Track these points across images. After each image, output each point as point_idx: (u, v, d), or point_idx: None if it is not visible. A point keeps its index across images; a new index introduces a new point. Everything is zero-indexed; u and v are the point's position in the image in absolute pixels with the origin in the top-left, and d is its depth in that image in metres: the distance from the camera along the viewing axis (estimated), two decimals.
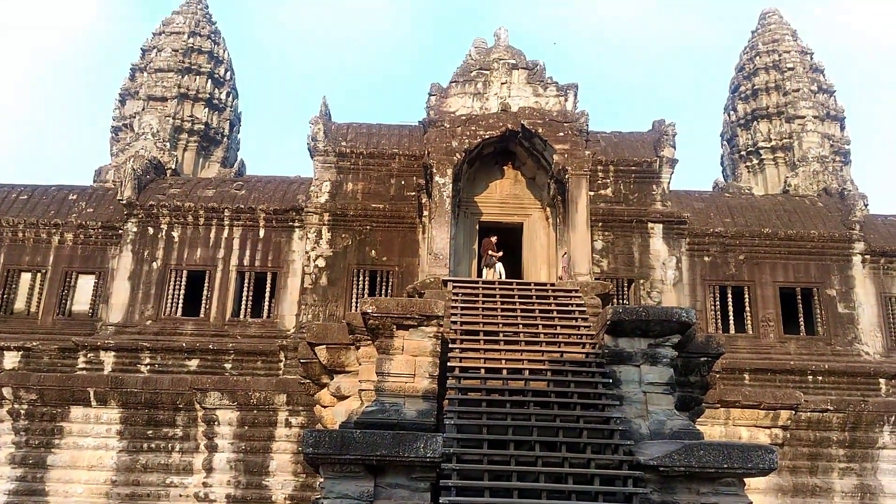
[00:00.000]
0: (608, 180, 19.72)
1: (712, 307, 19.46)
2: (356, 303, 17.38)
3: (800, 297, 19.74)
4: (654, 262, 19.20)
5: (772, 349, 19.09)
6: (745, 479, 10.04)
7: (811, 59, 25.48)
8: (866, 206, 22.21)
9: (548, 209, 16.10)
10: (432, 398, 10.46)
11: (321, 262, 18.93)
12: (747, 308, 19.56)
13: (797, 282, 19.78)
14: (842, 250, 19.90)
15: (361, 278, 18.86)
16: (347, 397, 11.95)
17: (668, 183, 19.88)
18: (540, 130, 15.63)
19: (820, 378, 18.70)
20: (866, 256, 19.91)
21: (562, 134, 15.62)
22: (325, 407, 12.83)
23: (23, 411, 16.71)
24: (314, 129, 19.45)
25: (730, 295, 19.61)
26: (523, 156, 16.51)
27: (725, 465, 9.48)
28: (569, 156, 15.25)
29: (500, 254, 16.10)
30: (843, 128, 24.40)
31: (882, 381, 18.89)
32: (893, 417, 17.26)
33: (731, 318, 19.50)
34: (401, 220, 19.11)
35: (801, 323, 19.58)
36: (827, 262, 19.89)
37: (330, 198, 19.52)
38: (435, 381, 10.61)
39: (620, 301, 18.71)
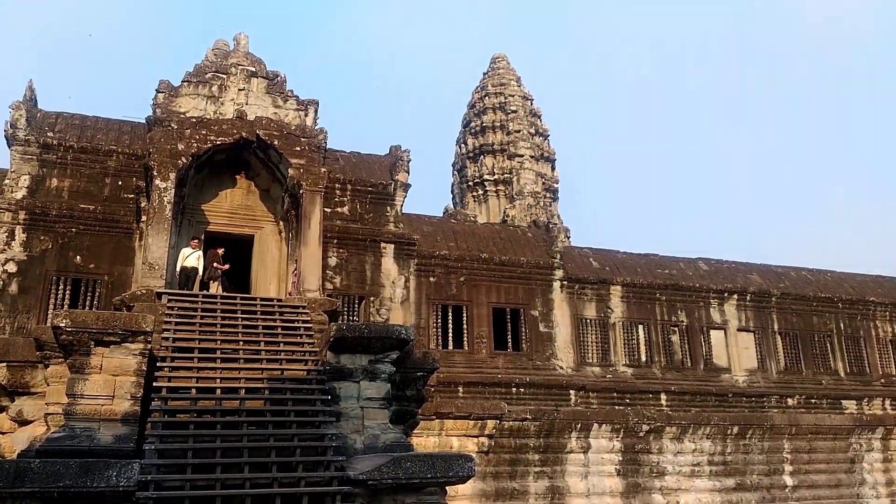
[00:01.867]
0: (345, 198, 20.05)
1: (435, 324, 20.67)
2: (52, 313, 15.40)
3: (509, 316, 21.77)
4: (385, 280, 19.90)
5: (484, 364, 20.79)
6: (448, 487, 10.76)
7: (531, 104, 28.54)
8: (567, 238, 25.33)
9: (281, 223, 15.91)
10: (133, 422, 9.70)
11: (12, 267, 16.39)
12: (465, 326, 21.10)
13: (508, 303, 21.81)
14: (545, 276, 22.39)
15: (62, 287, 16.56)
16: (31, 422, 10.58)
17: (402, 206, 20.78)
18: (276, 142, 15.42)
19: (522, 390, 20.75)
20: (564, 282, 22.62)
21: (299, 148, 15.57)
22: (3, 433, 11.20)
23: None
24: (14, 115, 16.98)
25: (450, 313, 21.00)
26: (258, 166, 16.14)
27: (429, 475, 10.08)
28: (304, 171, 15.24)
29: (227, 266, 15.54)
30: (553, 168, 27.65)
31: (572, 392, 21.52)
32: (580, 425, 19.74)
33: (451, 334, 20.88)
34: (115, 224, 17.26)
35: (510, 340, 21.61)
36: (533, 286, 22.24)
37: (28, 194, 17.10)
38: (138, 402, 9.86)
39: (352, 318, 19.07)
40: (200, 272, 14.90)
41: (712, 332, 24.39)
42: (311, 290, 14.54)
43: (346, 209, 19.87)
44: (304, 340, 12.61)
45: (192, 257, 14.79)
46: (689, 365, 23.62)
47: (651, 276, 24.09)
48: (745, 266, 26.44)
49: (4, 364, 10.49)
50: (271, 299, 13.98)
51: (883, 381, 25.83)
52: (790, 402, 23.91)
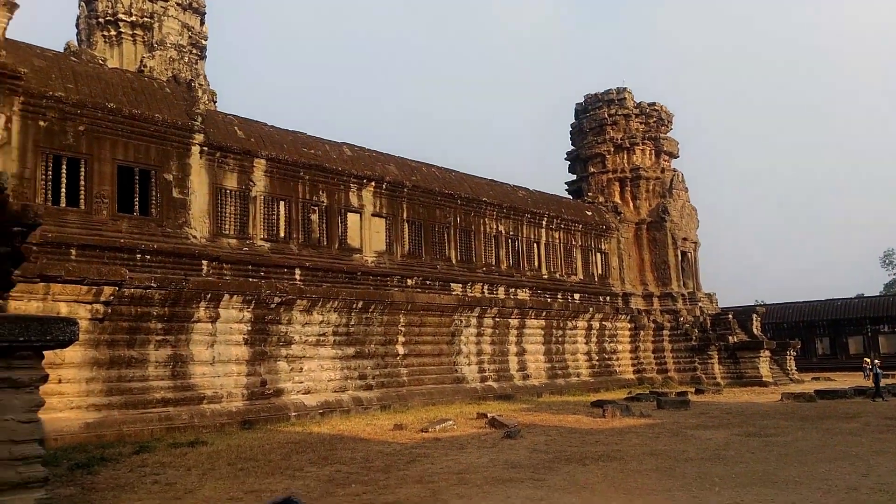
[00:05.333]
0: None
1: (44, 177, 17.84)
2: None
3: (138, 177, 19.83)
4: None
5: (104, 226, 18.75)
6: (46, 353, 9.52)
7: None
8: (213, 102, 23.69)
9: None
10: None
11: None
12: (83, 182, 18.64)
13: (137, 162, 19.79)
14: (182, 138, 20.76)
15: None
16: None
17: (5, 29, 17.04)
18: None
19: (149, 257, 19.32)
20: (205, 148, 21.30)
21: None
22: None
23: None
24: None
25: (65, 166, 18.32)
26: None
27: (21, 339, 8.72)
28: None
29: None
30: (203, 22, 25.30)
31: (205, 262, 20.75)
32: (210, 295, 19.21)
33: (65, 190, 18.29)
34: None
35: (137, 203, 19.78)
36: (168, 147, 20.48)
37: None
38: None
39: None
40: None
41: (349, 215, 25.57)
42: None
43: None
44: None
45: None
46: (326, 244, 24.52)
47: (297, 153, 24.04)
48: (384, 156, 28.00)
49: None
50: None
51: (484, 269, 30.15)
52: (409, 282, 26.53)
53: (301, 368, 21.45)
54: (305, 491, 10.32)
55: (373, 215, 26.18)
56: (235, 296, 19.81)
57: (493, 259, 30.77)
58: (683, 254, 39.01)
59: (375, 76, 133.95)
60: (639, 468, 11.61)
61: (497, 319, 28.68)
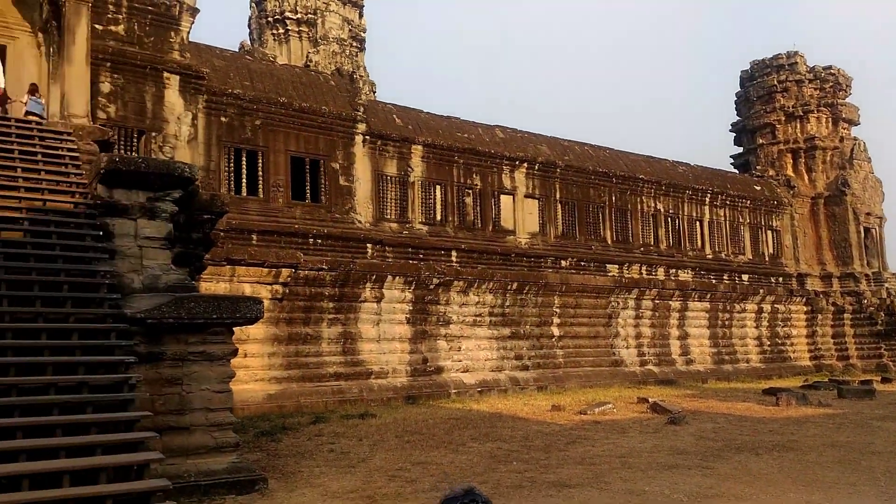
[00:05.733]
0: (120, 16, 17.59)
1: (227, 168, 19.56)
2: None
3: (308, 166, 21.20)
4: (169, 115, 18.20)
5: (280, 213, 20.25)
6: (235, 329, 10.50)
7: None
8: (373, 91, 24.71)
9: (40, 35, 13.63)
10: None
11: None
12: (260, 173, 20.21)
13: (307, 152, 21.14)
14: (347, 129, 21.89)
15: None
16: None
17: (188, 32, 18.77)
18: None
19: (320, 241, 20.65)
20: (367, 137, 22.32)
21: None
22: None
23: None
24: None
25: (245, 158, 19.95)
26: None
27: (215, 316, 9.73)
28: None
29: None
30: (361, 15, 26.38)
31: (369, 245, 21.84)
32: (375, 276, 20.22)
33: (245, 180, 19.94)
34: None
35: (308, 191, 21.16)
36: (334, 137, 21.68)
37: None
38: None
39: (130, 152, 17.36)
40: (3, 85, 12.22)
41: (502, 197, 25.75)
42: (78, 115, 12.83)
43: (121, 28, 17.50)
44: (70, 171, 11.26)
45: None
46: (480, 226, 24.89)
47: (451, 138, 24.53)
48: (536, 137, 27.84)
49: None
50: (29, 122, 12.16)
51: (642, 249, 29.25)
52: (563, 263, 26.32)
53: (459, 347, 22.03)
54: (468, 465, 10.65)
55: (525, 196, 26.18)
56: (398, 277, 20.68)
57: (652, 239, 29.74)
58: (867, 230, 35.55)
59: (525, 55, 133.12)
60: (818, 460, 10.86)
61: (657, 301, 27.75)
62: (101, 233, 10.03)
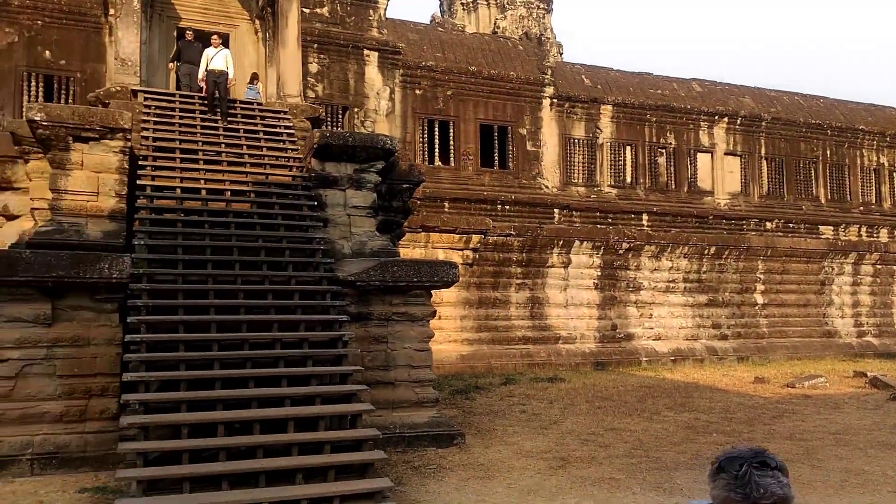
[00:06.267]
0: None
1: (421, 139, 20.37)
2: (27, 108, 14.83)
3: (496, 133, 21.46)
4: (369, 90, 19.25)
5: (470, 180, 20.78)
6: (433, 291, 11.06)
7: None
8: (560, 53, 24.32)
9: (257, 22, 14.96)
10: (120, 218, 9.65)
11: None
12: (451, 142, 20.82)
13: (495, 119, 21.40)
14: (535, 93, 21.80)
15: (35, 84, 15.86)
16: (18, 217, 10.51)
17: (385, 10, 19.63)
18: None
19: (507, 207, 20.95)
20: (554, 100, 22.09)
21: None
22: None
23: None
24: None
25: (437, 128, 20.64)
26: None
27: (415, 279, 10.31)
28: None
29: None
30: None
31: (556, 210, 21.78)
32: (562, 241, 20.16)
33: (437, 150, 20.66)
34: (82, 17, 16.18)
35: (496, 158, 21.46)
36: (522, 103, 21.71)
37: None
38: (123, 200, 9.74)
39: (335, 128, 18.66)
40: (231, 75, 12.80)
41: (699, 156, 24.37)
42: (293, 95, 13.99)
43: (325, 10, 18.68)
44: (287, 146, 12.34)
45: (217, 58, 12.60)
46: (674, 187, 23.81)
47: (643, 96, 23.56)
48: (738, 89, 25.89)
49: None
50: (251, 102, 13.47)
51: (862, 208, 26.36)
52: (769, 225, 24.46)
53: (650, 314, 21.40)
54: (664, 434, 10.44)
55: (725, 154, 24.56)
56: (585, 242, 20.44)
57: (873, 197, 26.67)
58: None
59: (721, 4, 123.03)
60: None
61: (878, 266, 24.94)
62: (315, 203, 10.94)
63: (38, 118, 9.18)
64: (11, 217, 10.60)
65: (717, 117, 24.32)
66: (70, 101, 15.55)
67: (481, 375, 17.06)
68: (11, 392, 8.12)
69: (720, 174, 24.49)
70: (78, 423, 8.32)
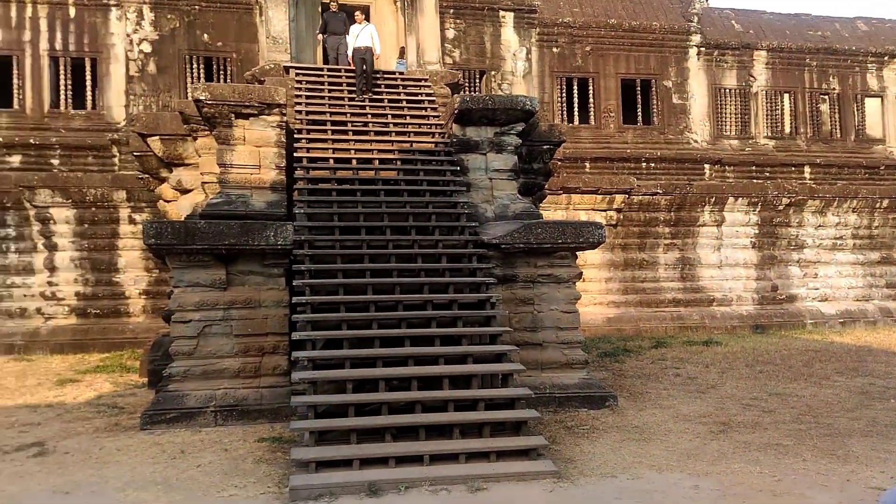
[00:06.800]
0: None
1: (559, 98, 19.95)
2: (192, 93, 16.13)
3: (639, 88, 20.59)
4: (506, 53, 19.06)
5: (611, 138, 20.15)
6: (578, 253, 10.89)
7: None
8: None
9: None
10: (281, 189, 10.23)
11: (146, 47, 17.11)
12: (591, 99, 20.23)
13: (637, 73, 20.52)
14: (680, 43, 20.65)
15: (196, 66, 17.29)
16: (190, 190, 11.43)
17: None
18: None
19: (653, 164, 20.14)
20: (701, 49, 20.83)
21: None
22: (167, 202, 12.27)
23: None
24: None
25: (575, 86, 20.12)
26: None
27: (560, 241, 10.17)
28: None
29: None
30: None
31: (707, 166, 20.68)
32: (713, 198, 19.14)
33: (576, 109, 20.17)
34: (235, 0, 17.31)
35: (640, 113, 20.63)
36: (666, 54, 20.65)
37: None
38: (282, 172, 10.31)
39: (473, 92, 18.70)
40: (378, 51, 12.94)
41: (867, 101, 22.21)
42: (432, 62, 14.14)
43: None
44: (429, 114, 12.52)
45: (363, 35, 12.79)
46: (839, 136, 21.89)
47: (801, 38, 21.69)
48: None
49: (158, 137, 11.21)
50: (393, 72, 13.76)
51: None
52: None
53: (815, 274, 19.92)
54: (835, 400, 9.75)
55: None
56: (740, 199, 19.27)
57: None
58: None
59: None
60: None
61: None
62: (457, 168, 11.05)
63: (203, 97, 9.86)
64: (185, 191, 11.55)
65: (886, 58, 21.97)
66: (228, 80, 16.76)
67: (629, 338, 16.69)
68: (195, 350, 8.93)
69: (891, 119, 22.19)
70: (253, 378, 9.03)
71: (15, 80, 17.07)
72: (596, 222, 10.84)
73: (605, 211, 18.47)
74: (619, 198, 18.38)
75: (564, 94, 20.03)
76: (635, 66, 20.46)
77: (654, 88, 20.63)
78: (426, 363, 8.27)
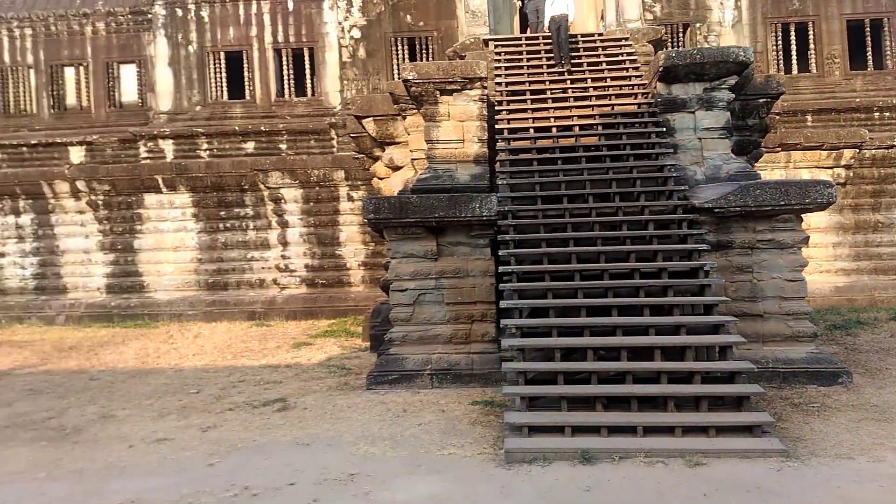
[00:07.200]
0: None
1: (774, 47, 18.26)
2: (398, 74, 16.99)
3: (868, 29, 18.23)
4: (712, 1, 17.77)
5: (836, 87, 18.10)
6: (803, 216, 10.00)
7: None
8: None
9: None
10: (483, 162, 10.47)
11: (356, 34, 18.26)
12: (811, 46, 18.28)
13: (866, 13, 18.16)
14: None
15: (400, 47, 18.19)
16: (401, 167, 12.07)
17: None
18: None
19: (887, 114, 17.84)
20: None
21: None
22: (381, 179, 13.07)
23: (100, 202, 17.82)
24: None
25: (793, 32, 18.26)
26: None
27: (783, 203, 9.39)
28: None
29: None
30: None
31: None
32: None
33: (794, 57, 18.33)
34: None
35: (870, 57, 18.30)
36: None
37: None
38: (484, 144, 10.53)
39: (677, 47, 17.70)
40: (572, 18, 12.71)
41: None
42: (632, 19, 13.55)
43: None
44: (630, 74, 12.06)
45: (559, 2, 12.66)
46: None
47: None
48: None
49: (371, 118, 11.96)
50: (591, 34, 13.39)
51: None
52: None
53: None
54: None
55: None
56: None
57: None
58: None
59: None
60: None
61: None
62: (663, 129, 10.57)
63: (410, 77, 10.31)
64: (396, 168, 12.24)
65: None
66: (430, 58, 17.44)
67: (862, 310, 15.07)
68: (411, 317, 9.51)
69: None
70: (464, 344, 9.44)
71: (245, 73, 19.01)
72: (825, 180, 9.86)
73: (831, 168, 16.71)
74: (847, 153, 16.52)
75: (780, 42, 18.28)
76: (863, 4, 18.11)
77: (886, 27, 18.16)
78: (635, 334, 8.09)
